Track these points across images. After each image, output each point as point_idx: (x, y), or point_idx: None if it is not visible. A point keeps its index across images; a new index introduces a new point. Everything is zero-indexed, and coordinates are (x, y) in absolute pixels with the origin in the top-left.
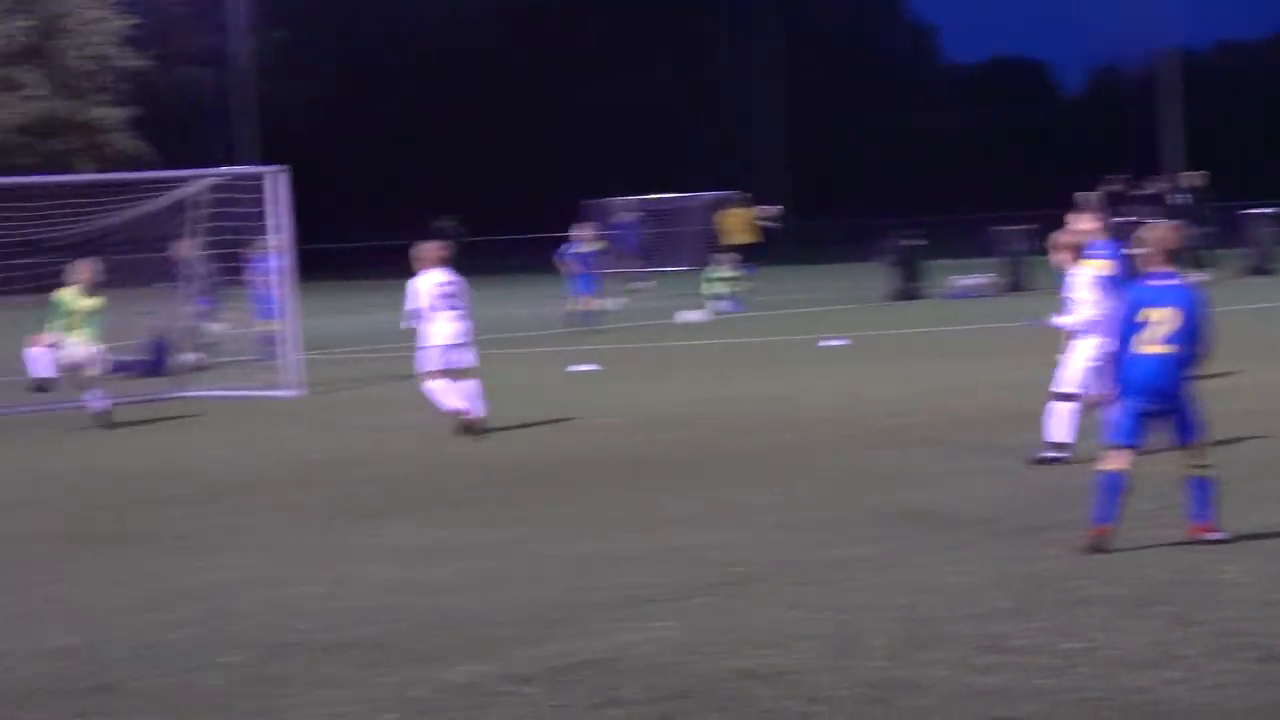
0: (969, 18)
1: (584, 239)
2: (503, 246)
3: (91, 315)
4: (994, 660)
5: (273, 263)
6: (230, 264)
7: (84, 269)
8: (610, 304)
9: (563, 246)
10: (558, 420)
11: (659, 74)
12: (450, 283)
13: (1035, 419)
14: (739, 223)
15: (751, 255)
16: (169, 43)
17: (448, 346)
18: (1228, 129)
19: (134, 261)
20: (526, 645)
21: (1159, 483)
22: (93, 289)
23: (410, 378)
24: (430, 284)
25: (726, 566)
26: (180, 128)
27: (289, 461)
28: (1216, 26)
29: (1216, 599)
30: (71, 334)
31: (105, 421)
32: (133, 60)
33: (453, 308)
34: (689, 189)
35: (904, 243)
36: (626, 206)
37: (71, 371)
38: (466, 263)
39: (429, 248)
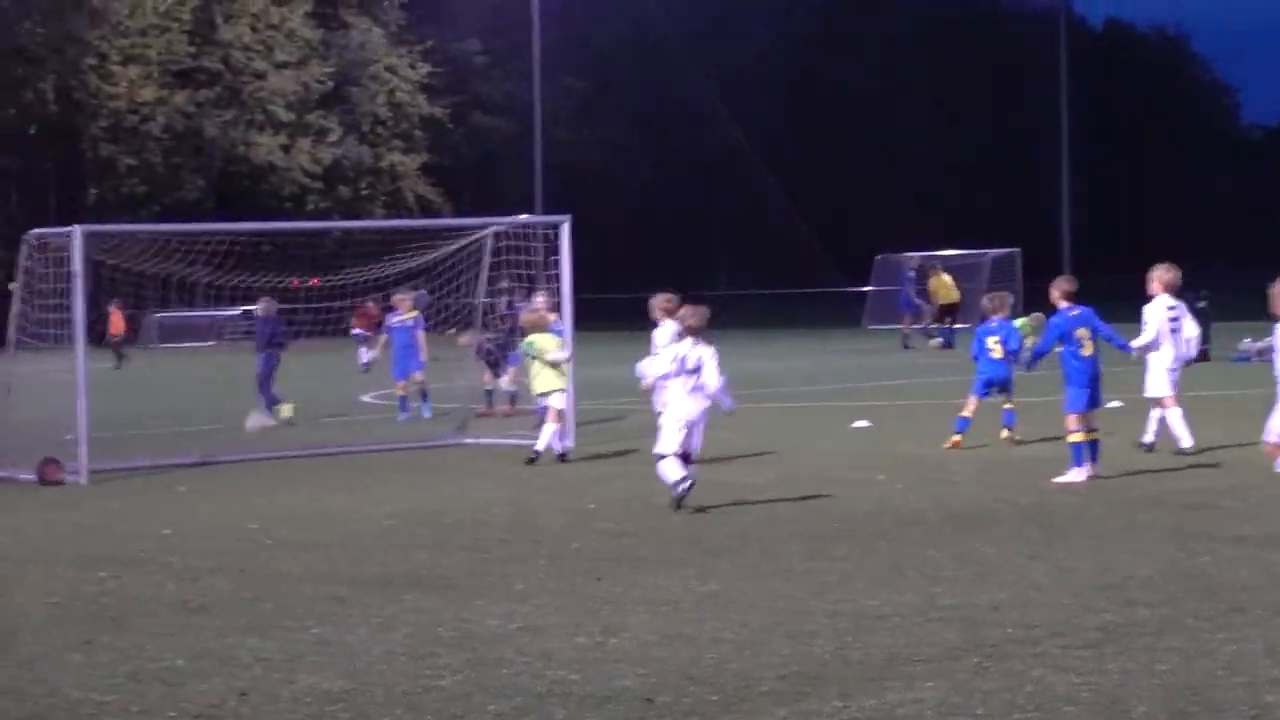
0: None
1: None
2: None
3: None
4: None
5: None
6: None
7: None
8: None
9: None
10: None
11: None
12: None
13: None
14: None
15: None
16: (465, 90)
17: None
18: None
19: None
20: (787, 702)
21: None
22: None
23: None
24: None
25: (996, 627)
26: (474, 175)
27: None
28: None
29: None
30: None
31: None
32: (427, 109)
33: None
34: None
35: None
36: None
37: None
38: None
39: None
